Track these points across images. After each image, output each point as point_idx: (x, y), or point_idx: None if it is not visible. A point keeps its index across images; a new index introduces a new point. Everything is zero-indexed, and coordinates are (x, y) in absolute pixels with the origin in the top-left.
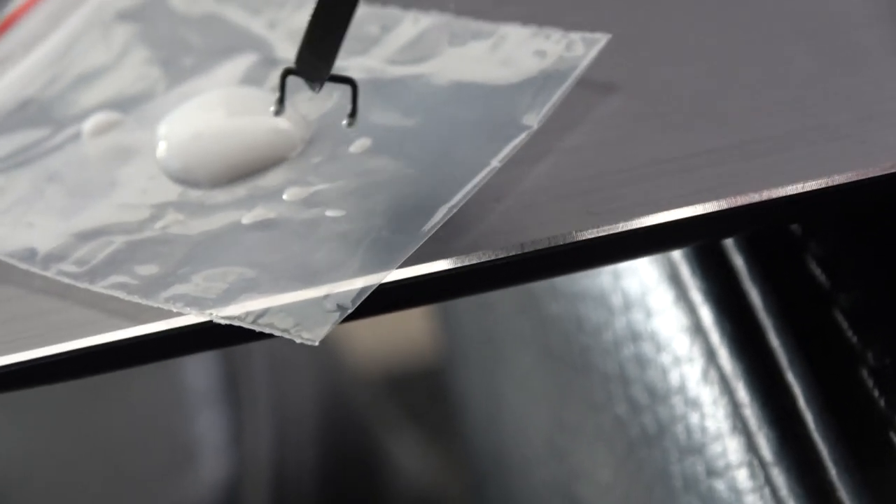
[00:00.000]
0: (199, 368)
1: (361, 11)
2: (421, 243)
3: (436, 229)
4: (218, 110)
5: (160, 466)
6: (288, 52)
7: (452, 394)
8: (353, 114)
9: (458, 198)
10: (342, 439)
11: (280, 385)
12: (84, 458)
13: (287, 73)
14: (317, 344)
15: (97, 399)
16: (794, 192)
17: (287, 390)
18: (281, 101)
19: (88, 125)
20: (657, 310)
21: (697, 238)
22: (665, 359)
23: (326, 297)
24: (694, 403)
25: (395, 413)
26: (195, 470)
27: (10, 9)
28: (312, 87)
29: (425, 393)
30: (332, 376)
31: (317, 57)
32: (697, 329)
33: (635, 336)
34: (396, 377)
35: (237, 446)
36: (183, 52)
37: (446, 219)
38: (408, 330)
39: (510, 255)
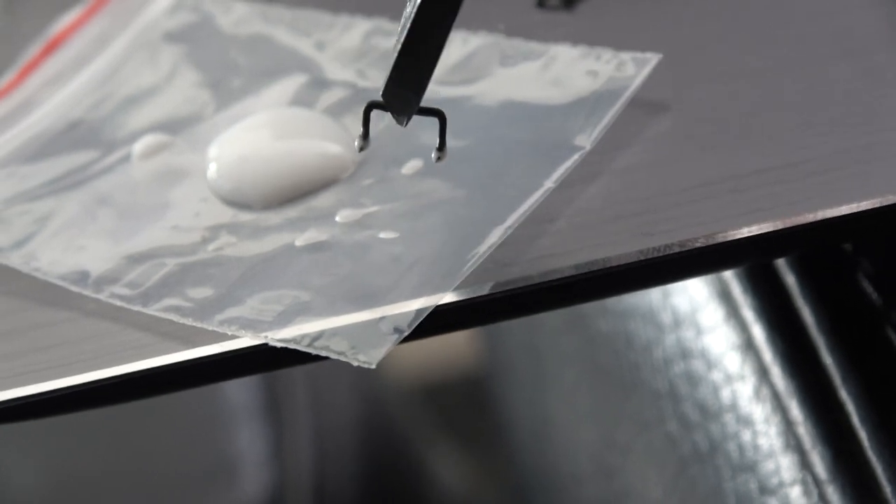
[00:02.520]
0: (240, 382)
1: None
2: (477, 265)
3: (491, 250)
4: (268, 132)
5: (203, 480)
6: (336, 73)
7: (498, 409)
8: (441, 147)
9: (512, 219)
10: (385, 453)
11: (321, 399)
12: (127, 472)
13: (371, 106)
14: (374, 367)
15: (140, 412)
16: (848, 211)
17: (328, 404)
18: (365, 136)
19: (138, 147)
20: (708, 327)
21: (750, 258)
22: (716, 376)
23: (382, 319)
24: (746, 421)
25: (439, 428)
26: (237, 483)
27: (57, 29)
28: (399, 121)
29: (470, 408)
30: (374, 390)
31: (405, 89)
32: (749, 346)
33: (685, 353)
34: (440, 392)
35: (279, 459)
36: (231, 74)
37: (501, 240)
38: (452, 344)
39: (566, 276)
